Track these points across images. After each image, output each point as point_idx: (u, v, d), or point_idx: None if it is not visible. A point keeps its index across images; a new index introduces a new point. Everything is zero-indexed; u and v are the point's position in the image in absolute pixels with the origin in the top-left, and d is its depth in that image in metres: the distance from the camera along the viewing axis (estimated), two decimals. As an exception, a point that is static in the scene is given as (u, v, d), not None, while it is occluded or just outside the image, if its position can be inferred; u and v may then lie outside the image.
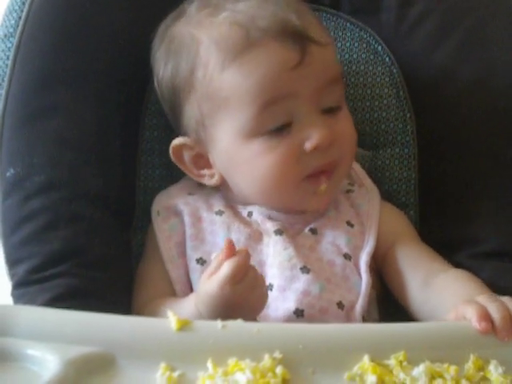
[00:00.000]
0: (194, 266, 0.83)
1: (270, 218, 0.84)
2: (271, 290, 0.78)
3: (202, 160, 0.84)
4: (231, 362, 0.59)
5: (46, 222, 0.81)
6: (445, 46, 0.90)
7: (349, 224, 0.85)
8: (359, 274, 0.81)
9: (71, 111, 0.85)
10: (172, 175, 0.90)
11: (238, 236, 0.83)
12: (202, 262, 0.82)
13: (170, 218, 0.86)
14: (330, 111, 0.81)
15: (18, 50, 0.86)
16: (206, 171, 0.85)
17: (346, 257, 0.82)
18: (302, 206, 0.84)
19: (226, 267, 0.69)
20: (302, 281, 0.78)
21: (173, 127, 0.87)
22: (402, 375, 0.59)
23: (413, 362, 0.60)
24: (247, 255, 0.70)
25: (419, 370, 0.59)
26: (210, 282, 0.70)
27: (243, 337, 0.62)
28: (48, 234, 0.80)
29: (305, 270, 0.79)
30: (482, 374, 0.60)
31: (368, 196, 0.89)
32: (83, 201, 0.83)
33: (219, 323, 0.62)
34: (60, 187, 0.83)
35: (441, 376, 0.59)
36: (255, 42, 0.78)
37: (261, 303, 0.72)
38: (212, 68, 0.79)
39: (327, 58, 0.82)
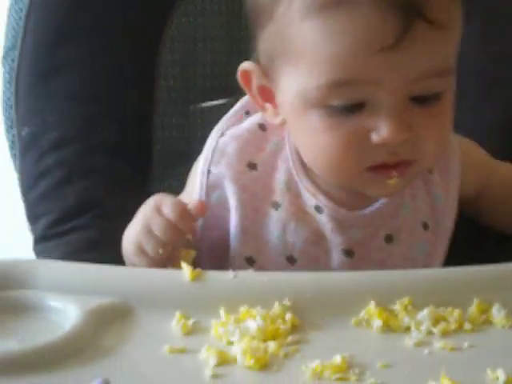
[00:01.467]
0: (240, 263, 0.75)
1: (342, 224, 0.74)
2: None
3: (269, 93, 0.74)
4: (243, 309, 0.62)
5: (61, 177, 0.83)
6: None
7: (424, 226, 0.76)
8: None
9: (84, 66, 0.87)
10: (189, 123, 0.92)
11: (294, 239, 0.74)
12: (251, 261, 0.74)
13: (217, 187, 0.76)
14: (423, 100, 0.67)
15: (30, 9, 0.88)
16: (270, 106, 0.74)
17: None
18: (365, 191, 0.73)
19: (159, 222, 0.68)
20: None
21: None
22: (406, 319, 0.61)
23: (417, 306, 0.62)
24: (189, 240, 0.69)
25: (423, 314, 0.61)
26: (142, 217, 0.70)
27: (254, 285, 0.64)
28: (63, 189, 0.83)
29: None
30: (484, 316, 0.62)
31: (449, 185, 0.78)
32: (98, 153, 0.86)
33: (231, 273, 0.64)
34: (73, 142, 0.85)
35: (444, 319, 0.61)
36: (349, 0, 0.64)
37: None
38: (295, 9, 0.66)
39: (436, 45, 0.65)
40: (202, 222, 0.75)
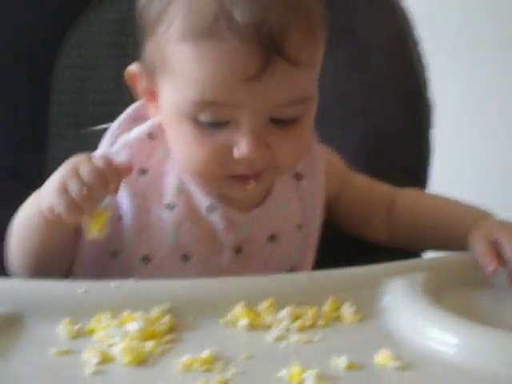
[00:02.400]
0: (135, 263, 0.81)
1: (233, 222, 0.81)
2: None
3: (153, 96, 0.80)
4: (126, 314, 0.68)
5: None
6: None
7: (299, 228, 0.85)
8: None
9: None
10: (81, 145, 0.98)
11: (187, 239, 0.80)
12: (147, 260, 0.81)
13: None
14: (281, 122, 0.75)
15: None
16: (153, 106, 0.81)
17: (292, 270, 0.85)
18: (228, 194, 0.81)
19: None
20: None
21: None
22: (269, 318, 0.69)
23: (280, 305, 0.70)
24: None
25: (283, 313, 0.69)
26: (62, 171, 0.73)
27: (136, 293, 0.71)
28: None
29: None
30: (337, 313, 0.71)
31: (315, 190, 0.87)
32: None
33: (114, 283, 0.71)
34: None
35: (301, 317, 0.70)
36: (220, 33, 0.70)
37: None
38: (173, 32, 0.73)
39: (294, 78, 0.72)
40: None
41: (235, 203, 0.82)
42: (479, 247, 0.78)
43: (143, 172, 0.82)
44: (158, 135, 0.83)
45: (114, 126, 0.86)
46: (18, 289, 0.71)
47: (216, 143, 0.74)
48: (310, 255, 0.87)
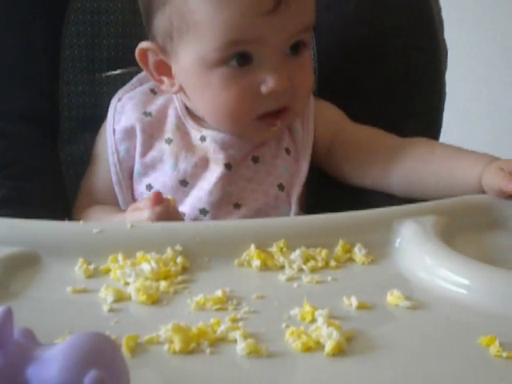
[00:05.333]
0: (142, 191, 0.90)
1: (222, 144, 0.88)
2: (204, 215, 0.87)
3: (165, 68, 0.88)
4: (139, 255, 0.70)
5: None
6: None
7: (287, 151, 0.91)
8: (290, 204, 0.89)
9: None
10: (95, 90, 0.99)
11: (185, 165, 0.88)
12: (150, 188, 0.89)
13: (124, 141, 0.91)
14: (296, 48, 0.83)
15: None
16: (166, 79, 0.89)
17: (280, 187, 0.89)
18: (252, 139, 0.89)
19: (147, 213, 0.77)
20: (234, 215, 0.87)
21: (144, 24, 0.90)
22: (281, 259, 0.70)
23: (291, 248, 0.71)
24: (170, 205, 0.78)
25: (296, 254, 0.70)
26: (132, 215, 0.80)
27: (149, 234, 0.72)
28: None
29: (237, 206, 0.87)
30: (348, 255, 0.72)
31: (306, 120, 0.92)
32: (10, 118, 0.93)
33: (128, 224, 0.72)
34: None
35: (314, 258, 0.71)
36: None
37: None
38: None
39: (304, 7, 0.82)
40: (121, 174, 0.91)
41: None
42: (497, 174, 0.78)
43: (147, 114, 0.91)
44: (159, 91, 0.93)
45: (122, 89, 0.94)
46: (35, 229, 0.72)
47: (243, 83, 0.82)
48: (300, 179, 0.90)
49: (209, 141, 0.89)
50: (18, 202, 0.88)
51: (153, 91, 0.93)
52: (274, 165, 0.90)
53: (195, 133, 0.90)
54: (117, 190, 0.91)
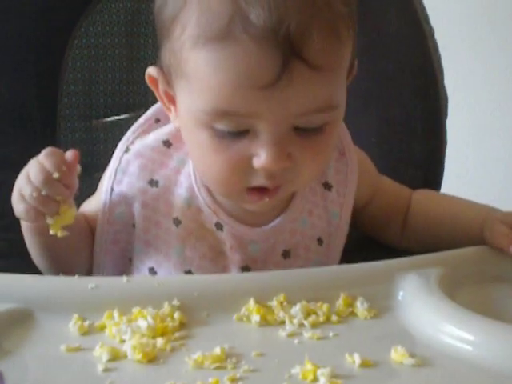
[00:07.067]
0: (144, 272, 0.81)
1: (241, 241, 0.79)
2: None
3: (172, 99, 0.76)
4: (135, 310, 0.68)
5: None
6: None
7: (319, 242, 0.82)
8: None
9: None
10: (92, 138, 0.98)
11: (192, 255, 0.79)
12: (153, 272, 0.80)
13: (121, 205, 0.81)
14: (304, 131, 0.70)
15: None
16: (173, 109, 0.77)
17: None
18: (243, 206, 0.77)
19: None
20: None
21: None
22: (281, 314, 0.68)
23: (291, 302, 0.69)
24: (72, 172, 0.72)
25: (296, 309, 0.68)
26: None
27: (145, 288, 0.70)
28: None
29: None
30: (350, 309, 0.70)
31: (345, 199, 0.84)
32: (5, 170, 0.91)
33: (124, 278, 0.71)
34: None
35: (315, 313, 0.69)
36: (234, 36, 0.64)
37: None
38: (187, 36, 0.68)
39: (315, 85, 0.67)
40: (106, 236, 0.81)
41: (248, 218, 0.80)
42: (497, 229, 0.78)
43: (153, 184, 0.80)
44: (174, 142, 0.81)
45: (134, 126, 0.84)
46: (29, 285, 0.70)
47: (235, 153, 0.70)
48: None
49: (226, 233, 0.79)
50: (9, 255, 0.86)
51: (166, 143, 0.81)
52: (305, 260, 0.80)
53: (210, 214, 0.79)
54: (96, 249, 0.81)
